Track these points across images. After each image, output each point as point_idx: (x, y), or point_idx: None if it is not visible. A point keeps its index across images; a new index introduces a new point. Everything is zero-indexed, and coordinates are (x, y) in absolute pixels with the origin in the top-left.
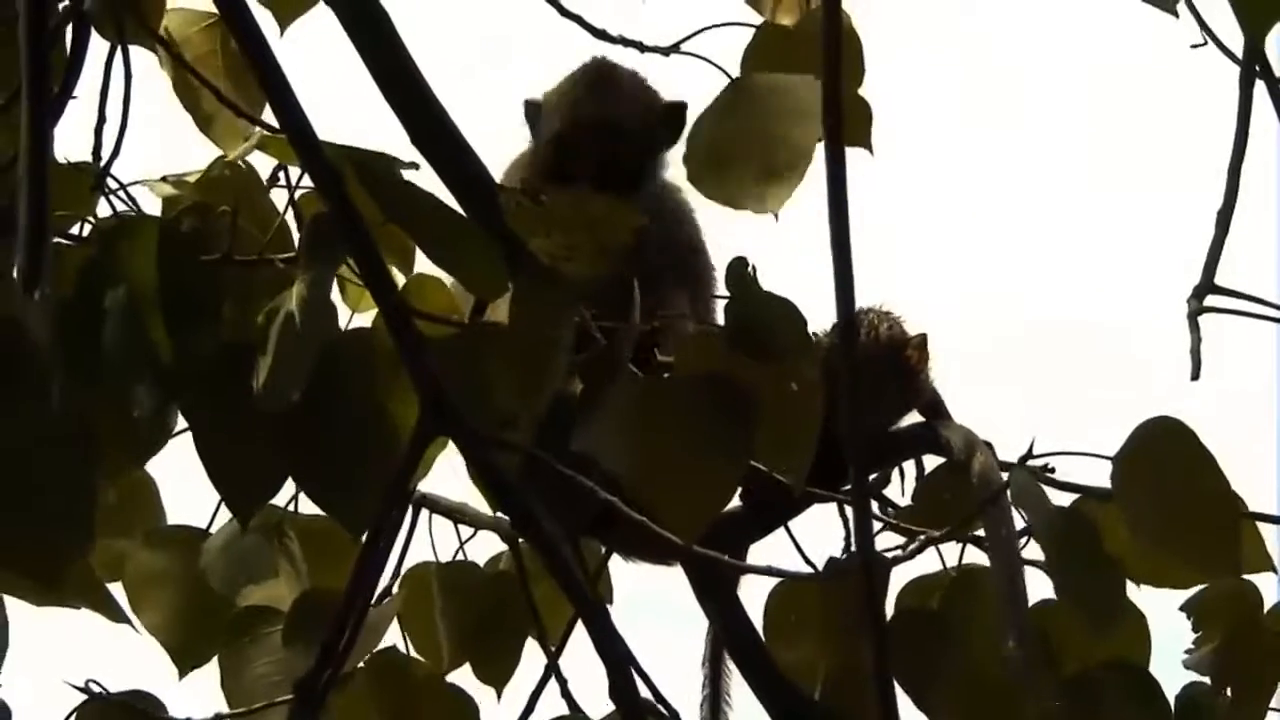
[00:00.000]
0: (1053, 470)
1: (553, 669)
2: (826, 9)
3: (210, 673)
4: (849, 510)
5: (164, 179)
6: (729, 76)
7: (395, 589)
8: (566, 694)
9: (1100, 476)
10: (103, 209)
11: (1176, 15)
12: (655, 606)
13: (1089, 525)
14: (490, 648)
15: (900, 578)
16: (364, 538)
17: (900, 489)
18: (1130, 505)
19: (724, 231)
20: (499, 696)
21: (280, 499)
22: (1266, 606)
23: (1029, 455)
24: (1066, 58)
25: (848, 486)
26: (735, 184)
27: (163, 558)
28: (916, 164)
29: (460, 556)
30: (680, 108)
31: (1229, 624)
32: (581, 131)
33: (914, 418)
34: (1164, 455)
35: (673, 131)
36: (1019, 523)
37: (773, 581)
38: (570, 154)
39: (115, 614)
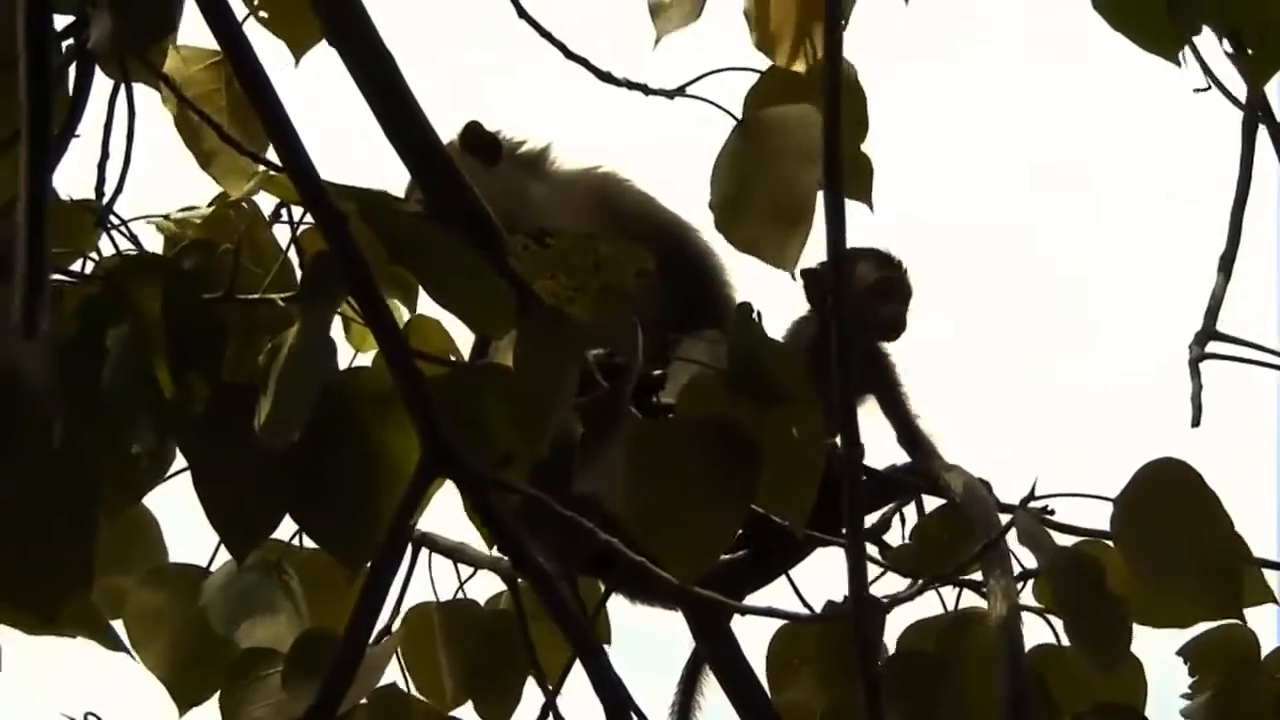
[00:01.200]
0: (1052, 512)
1: (550, 708)
2: (828, 57)
3: (213, 708)
4: None
5: (167, 217)
6: (735, 119)
7: (395, 627)
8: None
9: (1101, 519)
10: (105, 246)
11: (1180, 65)
12: (654, 647)
13: (1096, 565)
14: (491, 686)
15: (902, 620)
16: (364, 576)
17: (901, 533)
18: (1131, 546)
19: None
20: None
21: (283, 533)
22: (1265, 651)
23: (1031, 496)
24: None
25: None
26: (755, 231)
27: (163, 596)
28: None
29: (460, 595)
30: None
31: (1226, 670)
32: None
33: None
34: (1166, 496)
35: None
36: (1016, 567)
37: (772, 624)
38: None
39: (112, 643)
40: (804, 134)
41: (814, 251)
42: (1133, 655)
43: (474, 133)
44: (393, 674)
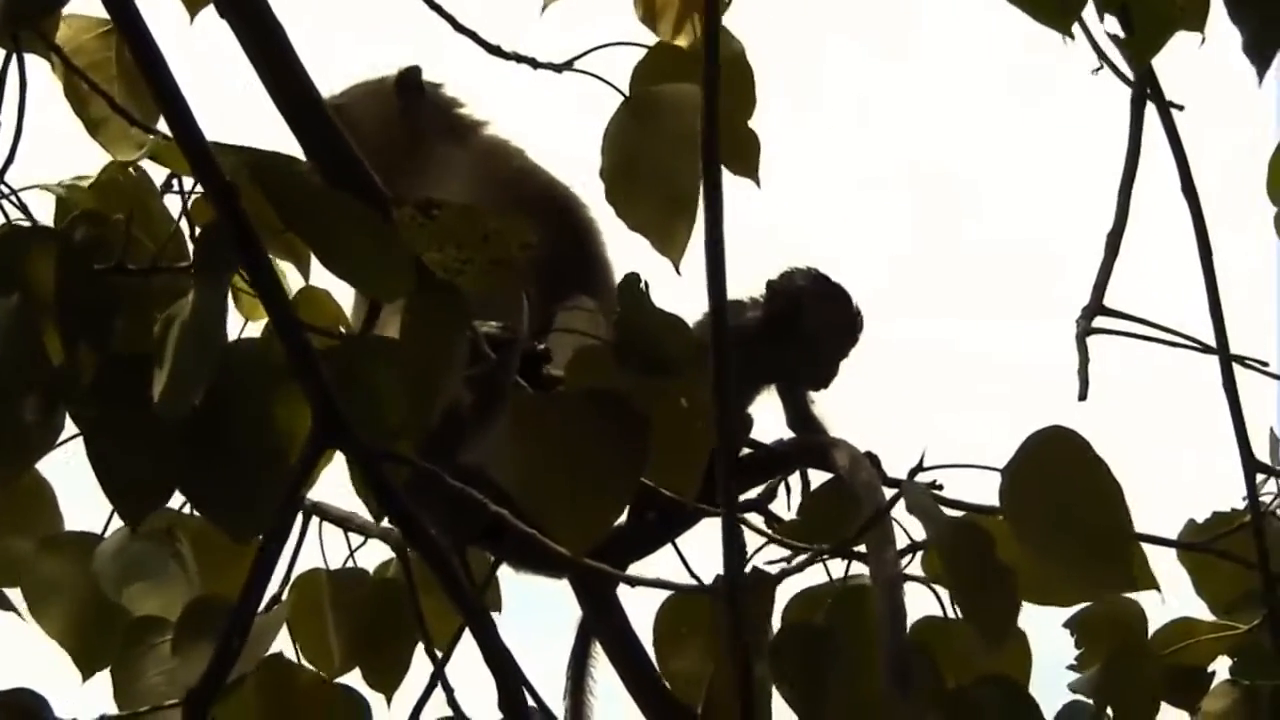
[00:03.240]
0: (941, 486)
1: (438, 676)
2: (706, 36)
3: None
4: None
5: (58, 184)
6: (623, 95)
7: (285, 596)
8: (453, 702)
9: (991, 494)
10: None
11: (1072, 36)
12: (545, 615)
13: (985, 536)
14: (380, 654)
15: (790, 590)
16: (254, 550)
17: (786, 503)
18: (1020, 517)
19: None
20: (389, 703)
21: (174, 502)
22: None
23: (919, 468)
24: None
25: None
26: (644, 213)
27: (59, 563)
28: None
29: (350, 564)
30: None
31: (1113, 644)
32: None
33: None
34: (1055, 464)
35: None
36: (904, 539)
37: (658, 594)
38: None
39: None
40: (689, 118)
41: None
42: (1018, 628)
43: (413, 78)
44: (282, 643)
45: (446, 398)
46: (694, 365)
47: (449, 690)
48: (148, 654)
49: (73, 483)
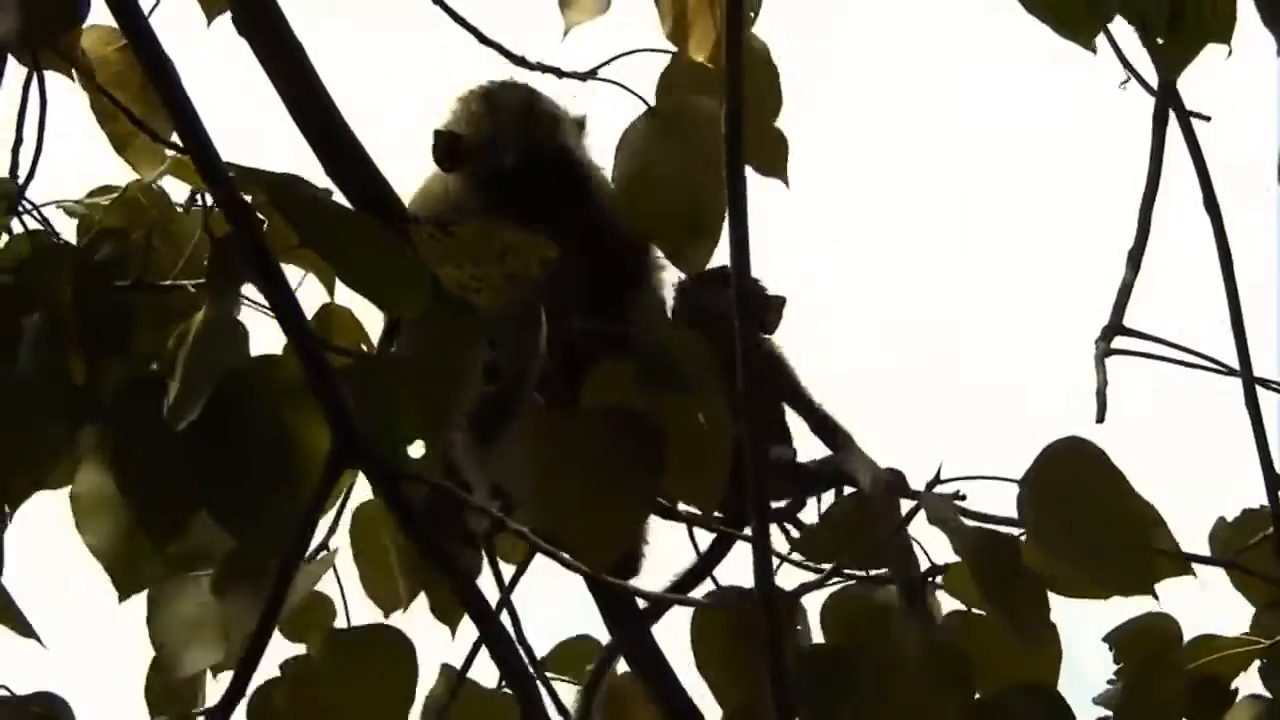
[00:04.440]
0: (964, 497)
1: (504, 603)
2: (728, 42)
3: (124, 685)
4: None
5: (78, 202)
6: (646, 104)
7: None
8: (519, 632)
9: (1009, 507)
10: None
11: (1095, 51)
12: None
13: (1009, 544)
14: (442, 584)
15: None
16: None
17: (817, 514)
18: (1039, 526)
19: None
20: (454, 634)
21: None
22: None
23: (936, 480)
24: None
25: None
26: (659, 225)
27: (109, 480)
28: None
29: None
30: (585, 120)
31: (1141, 658)
32: (537, 162)
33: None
34: (1072, 473)
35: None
36: (925, 562)
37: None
38: (527, 184)
39: (24, 630)
40: (716, 135)
41: None
42: (1053, 632)
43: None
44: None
45: (462, 414)
46: (712, 381)
47: (515, 617)
48: (187, 584)
49: None
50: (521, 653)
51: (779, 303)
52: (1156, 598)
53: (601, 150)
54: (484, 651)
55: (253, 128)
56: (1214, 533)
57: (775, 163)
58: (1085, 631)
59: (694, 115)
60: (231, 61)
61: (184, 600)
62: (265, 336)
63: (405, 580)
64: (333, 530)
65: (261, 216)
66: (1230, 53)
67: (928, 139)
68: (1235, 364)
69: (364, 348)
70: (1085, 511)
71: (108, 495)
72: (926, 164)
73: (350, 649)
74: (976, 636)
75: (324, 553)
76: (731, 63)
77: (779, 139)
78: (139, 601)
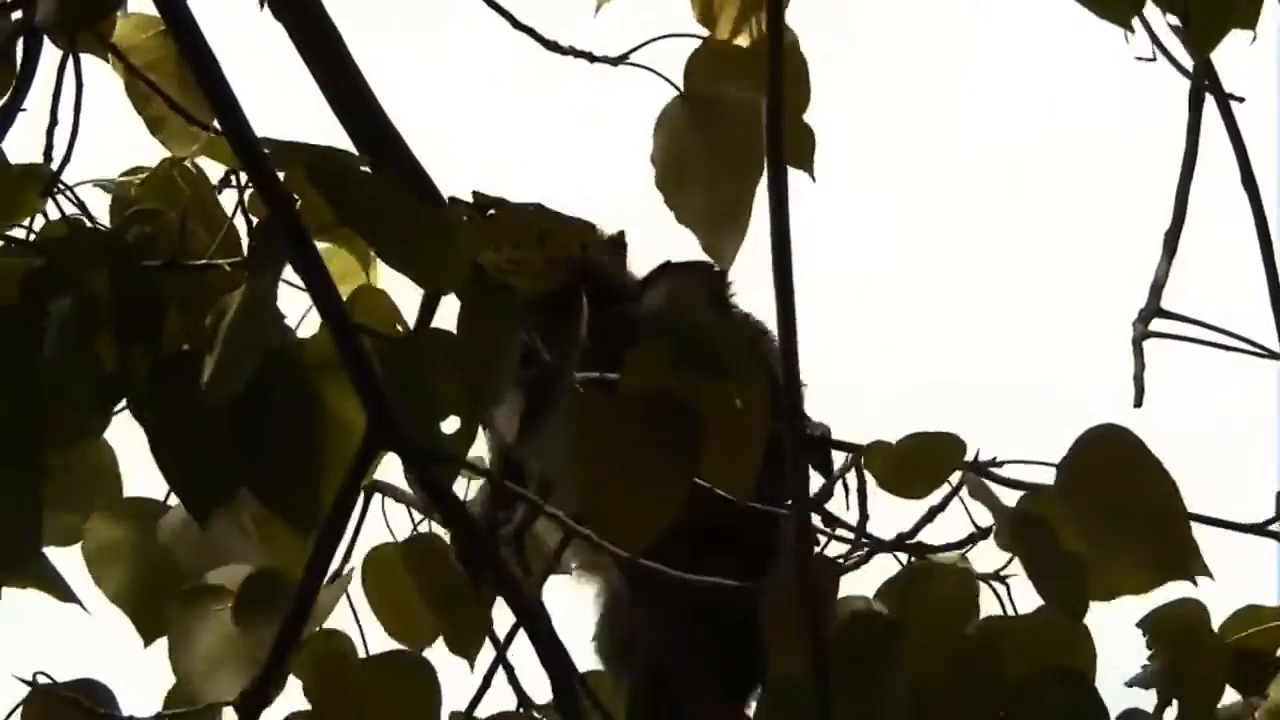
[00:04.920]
0: (1000, 464)
1: (500, 660)
2: (770, 33)
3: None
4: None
5: (112, 181)
6: (677, 90)
7: (345, 572)
8: (514, 682)
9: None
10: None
11: (1132, 30)
12: None
13: (1044, 520)
14: (462, 615)
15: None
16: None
17: (845, 503)
18: (1076, 509)
19: None
20: (472, 666)
21: None
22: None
23: (976, 461)
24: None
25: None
26: (693, 211)
27: (122, 529)
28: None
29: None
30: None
31: (1178, 639)
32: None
33: None
34: (1110, 460)
35: None
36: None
37: None
38: None
39: (64, 594)
40: (745, 126)
41: None
42: (1083, 625)
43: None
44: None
45: (499, 396)
46: (749, 365)
47: (510, 670)
48: (208, 618)
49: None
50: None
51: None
52: (1195, 583)
53: (634, 135)
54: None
55: (288, 110)
56: None
57: (802, 155)
58: (1104, 632)
59: (723, 106)
60: (266, 44)
61: (207, 633)
62: (295, 317)
63: (428, 616)
64: (345, 559)
65: (295, 196)
66: (1255, 38)
67: (957, 121)
68: (1276, 347)
69: (399, 328)
70: (1121, 498)
71: (120, 543)
72: (956, 147)
73: (374, 677)
74: (1011, 633)
75: (337, 579)
76: (774, 55)
77: (806, 132)
78: None
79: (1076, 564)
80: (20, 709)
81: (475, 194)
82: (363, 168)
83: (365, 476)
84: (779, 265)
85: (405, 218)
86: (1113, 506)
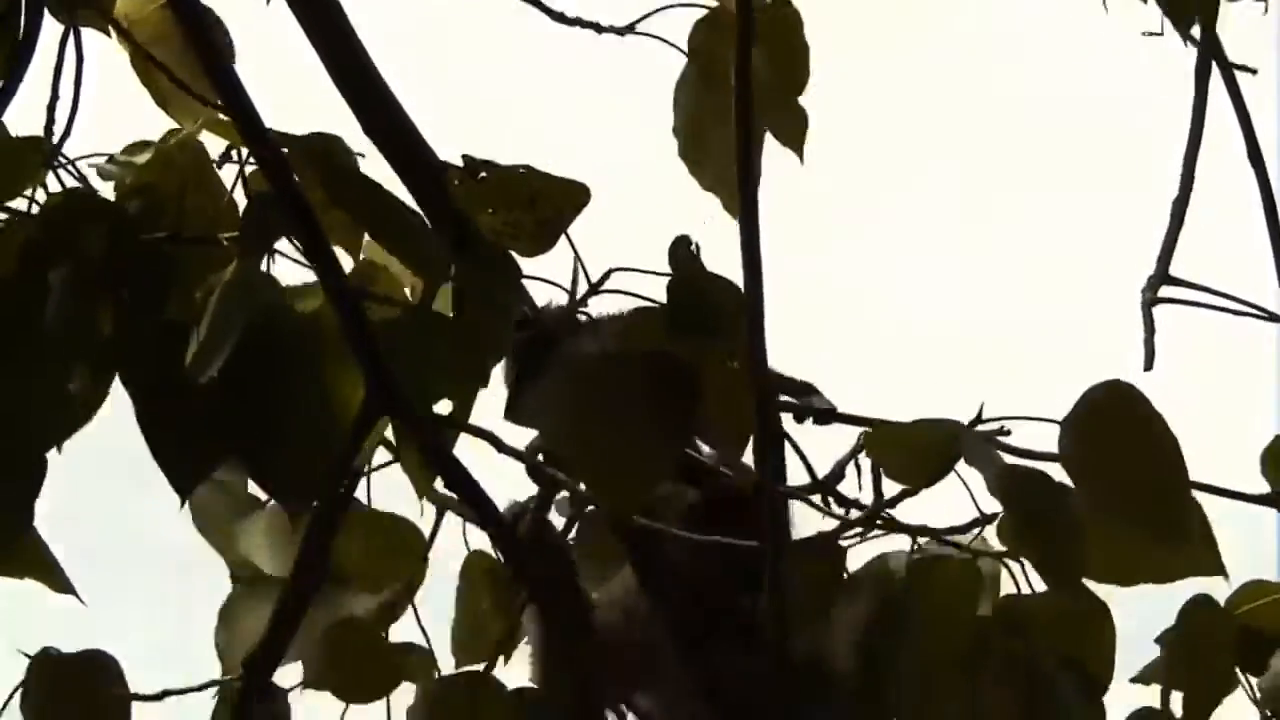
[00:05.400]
0: (1008, 433)
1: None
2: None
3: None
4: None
5: (111, 158)
6: (685, 54)
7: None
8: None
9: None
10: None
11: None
12: None
13: (1048, 481)
14: None
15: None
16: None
17: (857, 483)
18: (1080, 468)
19: None
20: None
21: None
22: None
23: (978, 420)
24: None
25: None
26: (710, 169)
27: None
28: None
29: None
30: None
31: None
32: None
33: None
34: (1113, 415)
35: None
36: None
37: None
38: None
39: (62, 585)
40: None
41: None
42: (1102, 608)
43: None
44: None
45: (497, 363)
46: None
47: None
48: (260, 597)
49: None
50: None
51: None
52: (1192, 542)
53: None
54: None
55: (290, 81)
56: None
57: (793, 135)
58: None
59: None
60: (268, 17)
61: (257, 612)
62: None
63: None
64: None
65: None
66: (1266, 9)
67: (965, 91)
68: None
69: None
70: (1126, 459)
71: None
72: (963, 117)
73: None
74: (1024, 604)
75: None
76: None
77: (799, 113)
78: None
79: (1075, 530)
80: (24, 683)
81: (465, 157)
82: (352, 159)
83: (364, 446)
84: (747, 231)
85: (389, 213)
86: (1116, 465)
